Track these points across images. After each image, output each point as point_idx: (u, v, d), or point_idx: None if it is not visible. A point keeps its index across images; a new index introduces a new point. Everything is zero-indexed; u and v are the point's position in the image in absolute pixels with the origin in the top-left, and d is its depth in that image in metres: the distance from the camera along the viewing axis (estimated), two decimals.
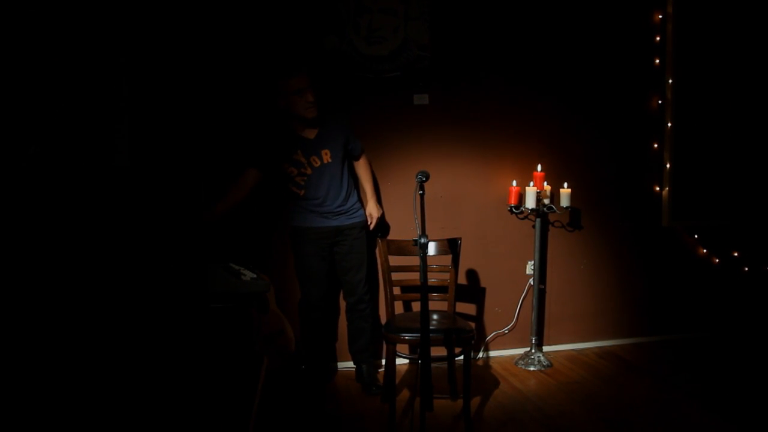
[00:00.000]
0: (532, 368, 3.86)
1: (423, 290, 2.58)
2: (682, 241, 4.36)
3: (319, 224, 3.42)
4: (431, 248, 3.36)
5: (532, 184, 3.88)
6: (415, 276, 3.22)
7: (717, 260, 4.38)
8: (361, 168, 3.63)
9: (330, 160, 3.40)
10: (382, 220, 3.68)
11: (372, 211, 3.59)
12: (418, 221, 2.60)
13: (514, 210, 3.94)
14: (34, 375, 2.41)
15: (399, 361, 3.68)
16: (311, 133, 3.40)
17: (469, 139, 3.95)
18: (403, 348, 3.80)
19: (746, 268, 4.41)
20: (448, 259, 3.42)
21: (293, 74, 3.30)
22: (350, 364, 3.82)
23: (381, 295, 3.78)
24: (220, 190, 3.40)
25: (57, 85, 2.83)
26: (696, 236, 4.36)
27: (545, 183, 3.89)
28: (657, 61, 4.19)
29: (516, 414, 3.23)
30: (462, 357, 3.09)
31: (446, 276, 3.43)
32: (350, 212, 3.49)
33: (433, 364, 3.38)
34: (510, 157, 4.01)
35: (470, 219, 3.98)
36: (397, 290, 3.53)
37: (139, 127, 3.33)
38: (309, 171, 3.38)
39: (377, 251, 3.40)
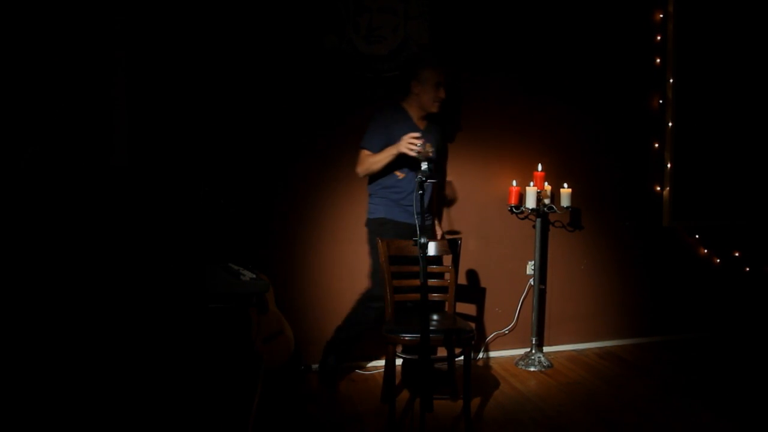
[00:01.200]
0: (532, 369, 3.85)
1: (423, 290, 2.57)
2: (683, 241, 4.35)
3: (404, 219, 3.47)
4: (431, 248, 3.35)
5: (532, 184, 3.87)
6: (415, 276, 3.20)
7: (718, 260, 4.38)
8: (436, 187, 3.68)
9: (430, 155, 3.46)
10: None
11: (438, 229, 3.75)
12: (418, 221, 2.60)
13: (514, 210, 3.93)
14: (32, 375, 2.40)
15: (399, 361, 3.67)
16: (422, 124, 3.50)
17: (469, 139, 3.94)
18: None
19: (747, 268, 4.40)
20: (448, 259, 3.41)
21: (439, 67, 3.42)
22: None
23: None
24: (221, 189, 3.39)
25: (54, 84, 2.83)
26: (697, 236, 4.35)
27: (545, 183, 3.88)
28: (658, 60, 4.18)
29: (516, 414, 3.22)
30: (462, 357, 3.08)
31: (446, 276, 3.42)
32: (426, 214, 3.56)
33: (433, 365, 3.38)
34: (510, 157, 4.00)
35: (470, 219, 3.97)
36: None
37: (138, 126, 3.32)
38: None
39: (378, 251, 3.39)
